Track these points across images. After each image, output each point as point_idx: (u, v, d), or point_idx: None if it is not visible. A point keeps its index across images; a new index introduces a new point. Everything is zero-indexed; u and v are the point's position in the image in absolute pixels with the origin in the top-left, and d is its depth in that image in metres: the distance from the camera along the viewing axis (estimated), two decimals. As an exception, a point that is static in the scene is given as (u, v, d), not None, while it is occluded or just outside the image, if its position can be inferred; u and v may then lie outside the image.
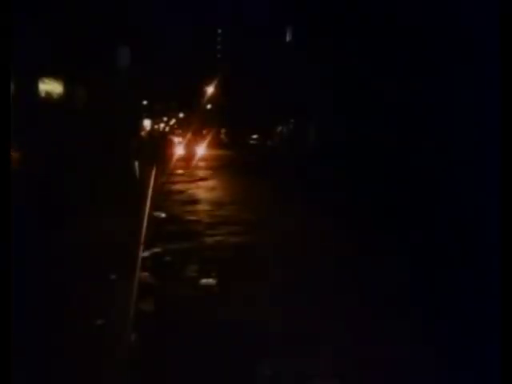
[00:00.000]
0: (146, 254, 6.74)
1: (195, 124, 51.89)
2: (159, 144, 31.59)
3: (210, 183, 15.78)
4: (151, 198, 11.14)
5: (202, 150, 29.29)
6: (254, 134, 44.21)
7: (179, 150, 27.61)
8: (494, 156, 3.28)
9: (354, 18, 21.32)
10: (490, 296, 3.25)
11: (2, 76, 2.95)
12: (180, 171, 19.84)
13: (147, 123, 51.55)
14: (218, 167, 21.76)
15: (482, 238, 6.66)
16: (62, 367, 3.48)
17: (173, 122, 75.29)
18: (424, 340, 4.16)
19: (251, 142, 43.72)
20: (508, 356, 2.45)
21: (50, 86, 11.94)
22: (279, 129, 42.24)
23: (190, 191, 13.72)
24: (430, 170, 13.96)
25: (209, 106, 61.05)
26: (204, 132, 43.19)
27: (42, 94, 11.42)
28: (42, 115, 10.58)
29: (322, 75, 25.49)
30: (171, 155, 25.63)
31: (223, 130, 53.03)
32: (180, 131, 51.50)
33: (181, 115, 72.58)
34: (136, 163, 15.58)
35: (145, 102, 44.31)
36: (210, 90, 56.34)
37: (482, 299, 4.61)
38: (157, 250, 7.05)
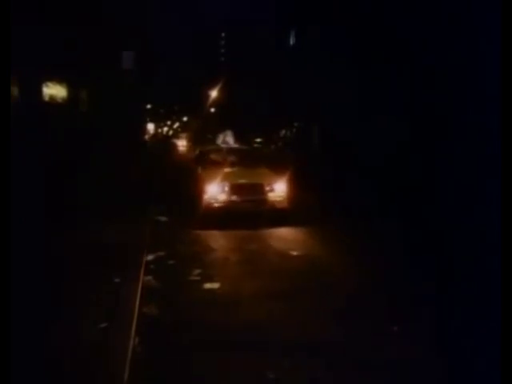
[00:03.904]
0: (150, 257, 6.75)
1: (199, 127, 51.93)
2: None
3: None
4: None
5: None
6: (258, 137, 44.22)
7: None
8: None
9: (355, 19, 21.35)
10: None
11: (2, 77, 2.96)
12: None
13: (151, 127, 51.84)
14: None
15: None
16: (62, 368, 3.48)
17: (176, 125, 75.60)
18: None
19: (255, 145, 43.70)
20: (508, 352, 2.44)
21: (54, 90, 11.98)
22: (283, 132, 42.25)
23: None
24: (431, 169, 13.87)
25: (212, 110, 61.16)
26: (209, 136, 42.99)
27: (46, 98, 11.45)
28: (45, 119, 10.63)
29: (326, 78, 25.51)
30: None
31: (227, 134, 53.11)
32: (184, 135, 51.58)
33: (184, 119, 72.90)
34: (139, 166, 15.58)
35: (148, 106, 44.53)
36: (214, 93, 56.45)
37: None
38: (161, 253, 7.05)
